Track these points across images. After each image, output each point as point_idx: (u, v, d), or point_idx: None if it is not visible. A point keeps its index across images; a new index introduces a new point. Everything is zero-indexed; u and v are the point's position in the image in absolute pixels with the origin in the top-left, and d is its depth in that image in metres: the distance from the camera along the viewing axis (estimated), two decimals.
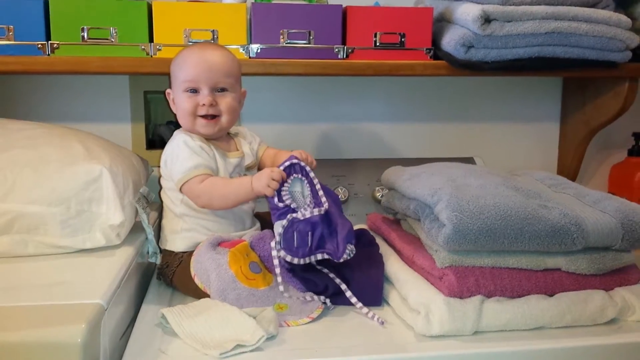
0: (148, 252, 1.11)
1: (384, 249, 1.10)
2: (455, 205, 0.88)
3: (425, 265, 0.95)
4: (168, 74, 1.11)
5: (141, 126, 1.48)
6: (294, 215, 0.95)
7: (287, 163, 1.01)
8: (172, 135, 1.11)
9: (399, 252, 1.05)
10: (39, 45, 1.20)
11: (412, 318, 0.89)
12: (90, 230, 0.98)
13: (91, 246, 0.98)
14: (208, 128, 1.06)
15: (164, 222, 1.11)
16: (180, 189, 1.03)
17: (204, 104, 1.05)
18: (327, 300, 0.94)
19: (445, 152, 1.54)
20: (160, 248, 1.09)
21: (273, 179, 0.98)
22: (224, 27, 1.24)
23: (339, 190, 1.37)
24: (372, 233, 1.19)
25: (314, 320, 0.91)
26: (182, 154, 1.03)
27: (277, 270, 0.94)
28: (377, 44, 1.29)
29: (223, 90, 1.07)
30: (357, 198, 1.37)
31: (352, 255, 0.93)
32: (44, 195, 0.96)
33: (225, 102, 1.07)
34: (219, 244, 1.00)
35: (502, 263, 0.90)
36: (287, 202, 0.98)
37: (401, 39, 1.30)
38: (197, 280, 0.96)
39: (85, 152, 1.03)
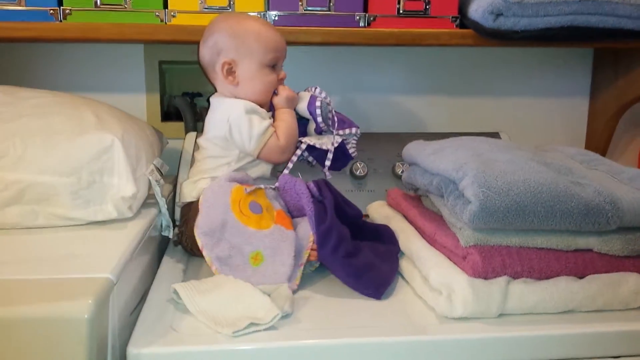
0: (161, 225, 1.08)
1: (404, 225, 1.05)
2: (482, 180, 0.83)
3: (448, 243, 0.90)
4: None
5: (156, 97, 1.44)
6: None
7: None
8: (188, 110, 1.11)
9: (420, 230, 1.01)
10: (51, 11, 1.17)
11: (433, 298, 0.85)
12: (102, 202, 0.95)
13: (102, 218, 0.95)
14: (267, 106, 1.10)
15: (190, 179, 1.08)
16: (260, 154, 1.04)
17: (282, 78, 1.09)
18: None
19: (470, 126, 1.48)
20: (173, 223, 1.07)
21: (288, 93, 1.08)
22: None
23: (358, 164, 1.32)
24: (392, 210, 1.15)
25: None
26: (254, 118, 1.03)
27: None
28: (401, 11, 1.23)
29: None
30: (376, 173, 1.33)
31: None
32: (54, 164, 0.93)
33: (285, 75, 1.11)
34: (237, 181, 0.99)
35: (530, 242, 0.86)
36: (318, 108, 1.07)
37: (426, 6, 1.23)
38: (199, 212, 0.94)
39: (97, 121, 1.00)
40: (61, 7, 1.17)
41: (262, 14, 1.20)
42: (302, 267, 0.92)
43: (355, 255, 0.90)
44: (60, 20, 1.17)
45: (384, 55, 1.45)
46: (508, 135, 1.41)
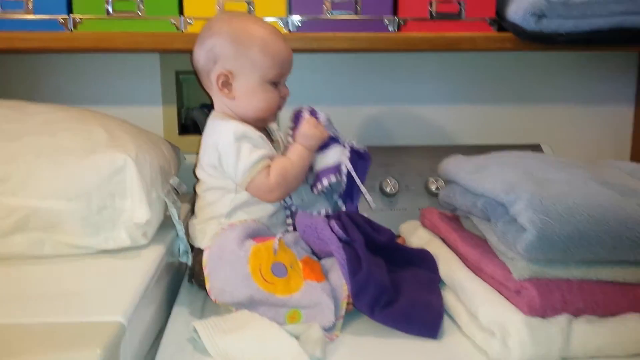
0: (179, 251, 1.00)
1: (443, 251, 0.96)
2: (539, 205, 0.73)
3: (497, 274, 0.80)
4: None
5: (173, 109, 1.36)
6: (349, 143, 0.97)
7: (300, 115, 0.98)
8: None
9: (462, 257, 0.91)
10: (61, 20, 1.10)
11: (484, 340, 0.76)
12: (114, 229, 0.87)
13: (115, 246, 0.87)
14: (273, 119, 1.01)
15: (196, 218, 0.98)
16: (247, 188, 0.92)
17: (284, 96, 0.98)
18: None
19: (508, 138, 1.37)
20: (191, 246, 0.98)
21: (315, 128, 0.94)
22: None
23: (388, 181, 1.23)
24: (427, 231, 1.06)
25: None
26: (244, 147, 0.90)
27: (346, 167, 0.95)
28: (433, 14, 1.14)
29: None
30: (408, 190, 1.23)
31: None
32: (61, 188, 0.85)
33: (289, 91, 1.00)
34: (253, 237, 0.87)
35: (593, 275, 0.76)
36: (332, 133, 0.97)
37: (460, 8, 1.14)
38: (205, 272, 0.83)
39: (108, 138, 0.92)
40: (71, 16, 1.09)
41: (283, 19, 1.11)
42: (342, 320, 0.81)
43: (398, 298, 0.81)
44: (71, 30, 1.10)
45: (416, 62, 1.35)
46: (550, 147, 1.31)
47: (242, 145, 0.90)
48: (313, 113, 0.97)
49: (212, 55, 0.94)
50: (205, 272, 0.82)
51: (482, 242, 0.89)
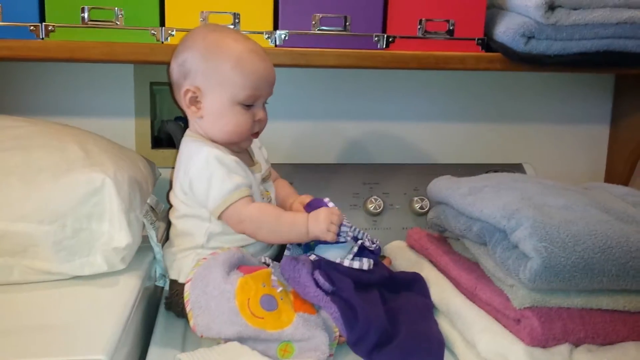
0: (156, 274, 0.94)
1: (434, 274, 0.93)
2: (543, 232, 0.71)
3: (495, 302, 0.78)
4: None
5: (146, 122, 1.30)
6: (361, 240, 0.88)
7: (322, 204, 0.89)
8: (181, 132, 0.93)
9: (454, 281, 0.88)
10: (32, 27, 1.03)
11: None
12: (90, 254, 0.81)
13: (90, 272, 0.81)
14: (248, 144, 0.93)
15: (172, 248, 0.92)
16: (219, 216, 0.85)
17: (259, 120, 0.89)
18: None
19: (491, 157, 1.36)
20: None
21: (332, 223, 0.83)
22: (246, 9, 1.06)
23: (372, 200, 1.20)
24: (415, 253, 1.03)
25: None
26: (216, 174, 0.83)
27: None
28: (422, 32, 1.12)
29: (265, 103, 0.92)
30: (392, 209, 1.20)
31: None
32: (33, 210, 0.79)
33: (266, 115, 0.92)
34: (237, 267, 0.82)
35: (595, 304, 0.74)
36: (342, 240, 0.87)
37: (450, 27, 1.12)
38: (188, 307, 0.77)
39: (84, 156, 0.86)
40: (43, 23, 1.03)
41: (269, 34, 1.07)
42: (332, 357, 0.77)
43: (397, 332, 0.77)
44: (42, 38, 1.03)
45: (402, 79, 1.33)
46: (533, 167, 1.30)
47: (214, 171, 0.83)
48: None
49: (184, 70, 0.87)
50: (188, 308, 0.76)
51: (475, 267, 0.87)
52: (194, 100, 0.88)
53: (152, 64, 1.11)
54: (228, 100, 0.86)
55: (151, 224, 0.91)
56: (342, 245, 0.87)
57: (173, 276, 0.90)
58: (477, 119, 1.37)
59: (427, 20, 1.11)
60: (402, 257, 1.05)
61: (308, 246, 0.91)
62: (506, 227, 0.76)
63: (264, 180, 0.95)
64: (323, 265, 0.83)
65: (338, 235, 0.84)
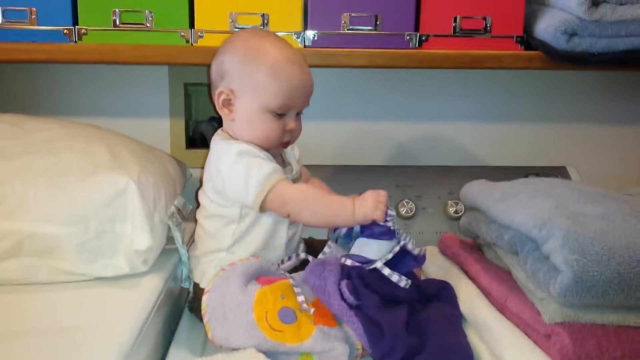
0: (182, 275, 0.94)
1: (464, 283, 0.89)
2: (575, 245, 0.67)
3: (525, 315, 0.74)
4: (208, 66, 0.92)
5: (181, 122, 1.31)
6: (404, 242, 0.83)
7: None
8: (213, 135, 0.92)
9: (485, 291, 0.85)
10: (65, 31, 1.05)
11: None
12: (113, 255, 0.82)
13: (113, 274, 0.82)
14: (278, 151, 0.92)
15: (196, 250, 0.91)
16: (262, 204, 0.82)
17: (290, 130, 0.87)
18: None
19: (532, 159, 1.31)
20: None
21: (380, 202, 0.81)
22: (275, 10, 1.06)
23: (404, 203, 1.16)
24: (446, 259, 0.99)
25: None
26: (251, 163, 0.82)
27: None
28: (457, 30, 1.08)
29: (299, 113, 0.89)
30: (425, 213, 1.17)
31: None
32: (58, 212, 0.80)
33: (300, 125, 0.90)
34: (256, 278, 0.80)
35: (633, 321, 0.69)
36: (390, 225, 0.83)
37: (486, 25, 1.08)
38: (205, 318, 0.76)
39: (110, 159, 0.87)
40: (76, 27, 1.05)
41: (299, 34, 1.06)
42: None
43: (424, 346, 0.74)
44: (75, 41, 1.05)
45: (436, 79, 1.30)
46: (577, 170, 1.24)
47: (248, 162, 0.82)
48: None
49: (221, 71, 0.87)
50: (205, 319, 0.75)
51: (507, 277, 0.83)
52: (227, 103, 0.87)
53: (181, 65, 1.11)
54: (259, 107, 0.85)
55: (176, 225, 0.91)
56: (384, 243, 0.83)
57: (196, 279, 0.89)
58: (517, 120, 1.32)
59: (462, 17, 1.07)
60: (433, 263, 1.01)
61: (350, 237, 0.87)
62: (537, 237, 0.72)
63: (295, 181, 0.93)
64: (353, 275, 0.80)
65: (386, 217, 0.81)
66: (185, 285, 0.94)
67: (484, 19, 1.08)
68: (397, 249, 0.83)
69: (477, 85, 1.30)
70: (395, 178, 1.20)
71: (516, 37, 1.09)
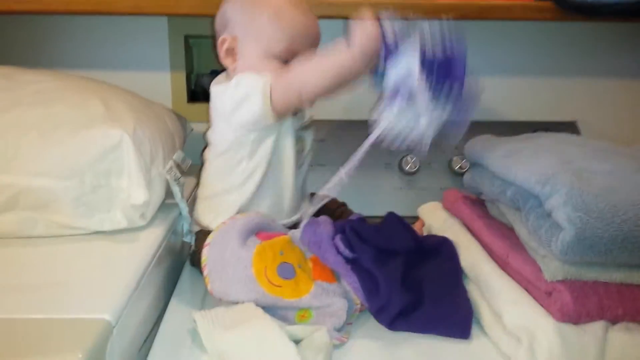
0: (183, 230, 0.94)
1: (466, 239, 0.88)
2: (579, 201, 0.65)
3: (526, 271, 0.73)
4: (211, 16, 0.88)
5: (181, 75, 1.28)
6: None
7: None
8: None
9: (487, 247, 0.83)
10: None
11: (509, 345, 0.69)
12: (110, 209, 0.81)
13: (110, 228, 0.81)
14: None
15: (204, 190, 0.91)
16: (272, 102, 0.78)
17: None
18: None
19: (541, 114, 1.27)
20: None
21: (364, 24, 0.72)
22: None
23: (408, 159, 1.14)
24: (449, 215, 0.97)
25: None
26: (250, 76, 0.80)
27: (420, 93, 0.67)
28: None
29: None
30: (430, 169, 1.15)
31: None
32: (52, 165, 0.78)
33: None
34: (256, 233, 0.80)
35: (637, 279, 0.68)
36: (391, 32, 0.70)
37: None
38: (205, 271, 0.75)
39: (105, 112, 0.85)
40: None
41: None
42: (351, 325, 0.75)
43: (422, 302, 0.73)
44: None
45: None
46: (587, 125, 1.21)
47: (249, 75, 0.79)
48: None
49: (223, 20, 0.86)
50: (205, 272, 0.75)
51: (509, 233, 0.81)
52: (231, 52, 0.86)
53: (179, 16, 1.08)
54: (263, 52, 0.83)
55: (175, 180, 0.90)
56: (406, 57, 0.69)
57: (205, 222, 0.89)
58: (525, 73, 1.28)
59: None
60: (435, 219, 1.00)
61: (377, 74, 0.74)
62: (540, 193, 0.70)
63: (305, 128, 0.91)
64: (347, 230, 0.79)
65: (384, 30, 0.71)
66: (187, 239, 0.93)
67: None
68: (416, 53, 0.68)
69: (484, 37, 1.25)
70: None
71: None
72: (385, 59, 0.70)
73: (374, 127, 0.71)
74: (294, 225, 0.89)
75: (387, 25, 0.70)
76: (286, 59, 0.83)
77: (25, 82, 0.89)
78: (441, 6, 1.03)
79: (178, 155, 0.96)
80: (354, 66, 0.74)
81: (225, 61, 0.87)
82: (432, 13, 1.04)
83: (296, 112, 0.88)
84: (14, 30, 1.23)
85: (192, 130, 1.19)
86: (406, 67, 0.68)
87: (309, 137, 0.94)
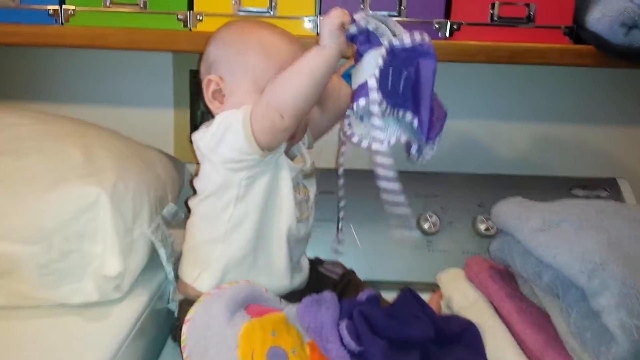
0: (169, 295, 0.83)
1: (493, 325, 0.75)
2: (635, 304, 0.53)
3: None
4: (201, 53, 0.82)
5: (185, 112, 1.20)
6: (391, 41, 0.66)
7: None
8: None
9: (517, 337, 0.71)
10: (51, 11, 0.94)
11: None
12: (81, 279, 0.71)
13: (81, 301, 0.71)
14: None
15: (188, 244, 0.81)
16: (256, 137, 0.71)
17: None
18: None
19: (576, 168, 1.14)
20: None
21: (330, 17, 0.69)
22: None
23: (427, 216, 1.03)
24: (473, 288, 0.85)
25: None
26: (230, 112, 0.73)
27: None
28: (495, 18, 0.93)
29: None
30: (452, 228, 1.03)
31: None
32: (17, 228, 0.69)
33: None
34: (245, 307, 0.69)
35: None
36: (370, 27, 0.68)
37: (529, 12, 0.93)
38: (185, 353, 0.65)
39: (83, 163, 0.75)
40: (63, 7, 0.94)
41: (311, 19, 0.93)
42: None
43: None
44: (62, 23, 0.94)
45: (468, 73, 1.14)
46: (630, 184, 1.08)
47: (233, 112, 0.73)
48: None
49: (208, 63, 0.81)
50: (184, 354, 0.64)
51: (545, 322, 0.69)
52: (218, 93, 0.79)
53: (176, 52, 1.00)
54: (253, 86, 0.76)
55: (161, 241, 0.80)
56: (371, 55, 0.68)
57: (188, 279, 0.79)
58: (559, 121, 1.16)
59: (501, 3, 0.92)
60: (457, 291, 0.87)
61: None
62: (586, 286, 0.58)
63: (307, 176, 0.83)
64: (355, 314, 0.68)
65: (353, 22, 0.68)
66: (172, 307, 0.83)
67: (527, 5, 0.93)
68: (382, 50, 0.66)
69: (515, 81, 1.14)
70: (416, 186, 1.06)
71: (565, 28, 0.94)
72: (355, 56, 0.70)
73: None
74: (293, 294, 0.79)
75: (359, 20, 0.69)
76: None
77: (3, 126, 0.81)
78: (469, 47, 0.93)
79: (169, 209, 0.86)
80: (325, 66, 0.70)
81: (212, 105, 0.80)
82: (460, 55, 0.94)
83: (290, 144, 0.80)
84: (12, 62, 1.17)
85: (192, 175, 1.09)
86: (368, 69, 0.66)
87: (312, 186, 0.85)
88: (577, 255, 0.61)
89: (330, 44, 0.69)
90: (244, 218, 0.76)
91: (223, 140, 0.73)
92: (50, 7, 0.93)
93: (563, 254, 0.63)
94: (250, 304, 0.70)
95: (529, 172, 1.13)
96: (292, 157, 0.82)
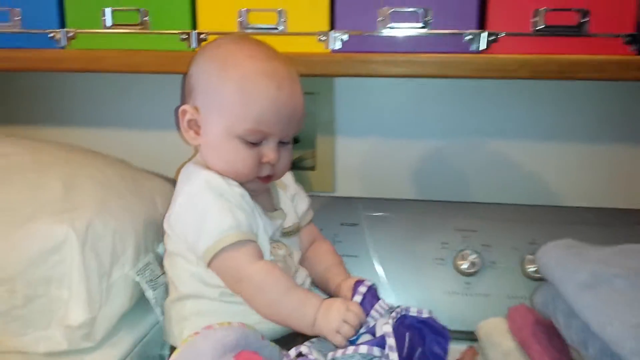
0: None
1: None
2: None
3: None
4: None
5: None
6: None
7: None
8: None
9: None
10: (51, 34, 0.90)
11: None
12: (48, 327, 0.64)
13: (47, 350, 0.64)
14: (257, 187, 0.73)
15: (168, 303, 0.73)
16: (209, 263, 0.67)
17: (267, 162, 0.70)
18: None
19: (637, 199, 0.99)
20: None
21: (346, 322, 0.63)
22: (294, 5, 0.84)
23: (466, 254, 0.90)
24: (517, 347, 0.72)
25: None
26: (213, 205, 0.67)
27: None
28: (539, 27, 0.80)
29: (286, 142, 0.73)
30: (495, 269, 0.90)
31: None
32: None
33: (286, 157, 0.73)
34: (235, 354, 0.61)
35: None
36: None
37: (581, 20, 0.80)
38: None
39: (61, 197, 0.70)
40: (64, 30, 0.89)
41: (324, 35, 0.84)
42: None
43: None
44: (63, 47, 0.90)
45: (509, 90, 1.01)
46: None
47: (214, 202, 0.66)
48: (371, 293, 0.69)
49: (189, 86, 0.74)
50: None
51: None
52: (193, 124, 0.72)
53: (178, 74, 0.94)
54: (225, 130, 0.69)
55: (150, 281, 0.73)
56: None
57: (174, 335, 0.71)
58: (621, 144, 1.00)
59: (547, 10, 0.79)
60: (496, 347, 0.74)
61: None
62: None
63: (286, 234, 0.75)
64: None
65: (352, 341, 0.63)
66: (165, 353, 0.76)
67: (579, 11, 0.79)
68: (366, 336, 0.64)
69: (565, 99, 1.00)
70: (453, 220, 0.94)
71: (625, 36, 0.79)
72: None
73: None
74: (289, 338, 0.70)
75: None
76: (255, 141, 0.69)
77: None
78: (506, 62, 0.81)
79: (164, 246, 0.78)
80: (301, 329, 0.67)
81: (187, 135, 0.73)
82: (497, 71, 0.82)
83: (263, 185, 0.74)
84: (15, 86, 1.16)
85: None
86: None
87: (294, 245, 0.77)
88: (630, 328, 0.47)
89: (325, 335, 0.64)
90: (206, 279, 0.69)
91: (181, 227, 0.69)
92: (50, 31, 0.89)
93: (613, 324, 0.50)
94: (243, 351, 0.61)
95: (586, 203, 0.98)
96: (274, 209, 0.75)
